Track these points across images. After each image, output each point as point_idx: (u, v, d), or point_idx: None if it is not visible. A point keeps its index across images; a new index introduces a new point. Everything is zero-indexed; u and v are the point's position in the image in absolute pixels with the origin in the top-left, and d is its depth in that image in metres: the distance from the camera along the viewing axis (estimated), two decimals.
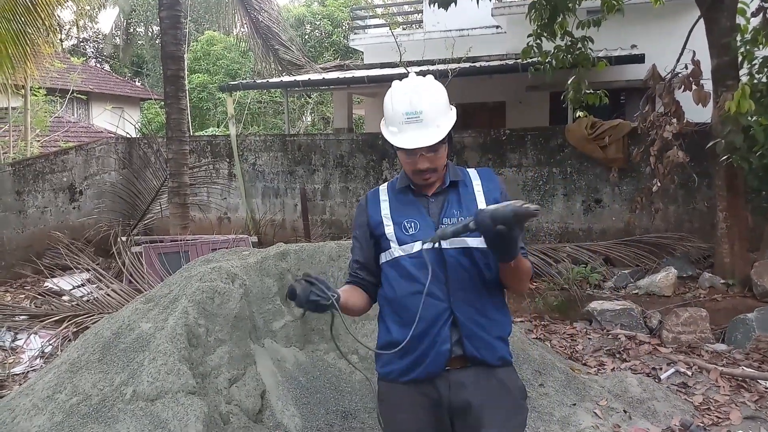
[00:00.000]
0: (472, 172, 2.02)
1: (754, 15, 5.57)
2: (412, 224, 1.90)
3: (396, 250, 1.91)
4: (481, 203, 1.92)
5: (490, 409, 1.84)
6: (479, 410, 1.84)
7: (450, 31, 11.94)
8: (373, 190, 2.06)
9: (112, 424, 2.68)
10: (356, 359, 3.81)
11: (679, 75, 6.15)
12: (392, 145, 1.90)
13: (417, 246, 1.87)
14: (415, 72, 2.16)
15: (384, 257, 1.96)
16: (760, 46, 5.43)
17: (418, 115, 1.82)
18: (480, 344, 1.85)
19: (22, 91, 10.54)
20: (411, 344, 1.82)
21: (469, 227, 1.72)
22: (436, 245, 1.83)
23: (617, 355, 5.04)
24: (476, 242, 1.86)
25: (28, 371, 4.83)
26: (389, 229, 1.93)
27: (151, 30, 24.15)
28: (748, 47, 5.47)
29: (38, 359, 5.05)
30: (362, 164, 9.17)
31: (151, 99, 19.76)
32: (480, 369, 1.87)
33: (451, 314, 1.84)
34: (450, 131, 1.88)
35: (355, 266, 2.03)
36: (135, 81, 24.35)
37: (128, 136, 10.44)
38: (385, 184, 2.06)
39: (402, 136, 1.85)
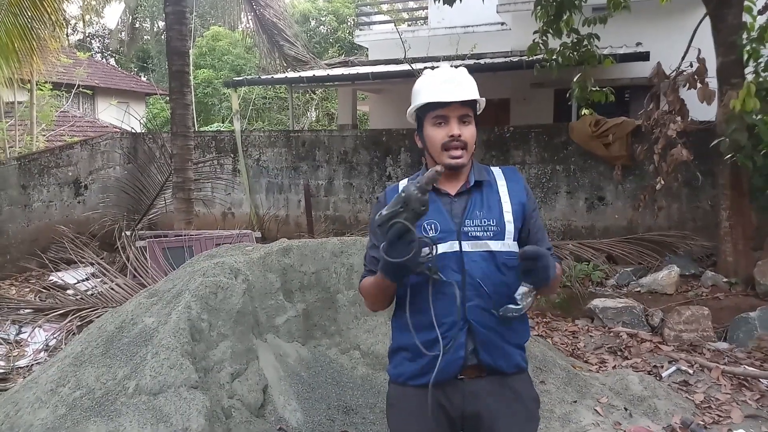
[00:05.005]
0: (497, 171, 1.95)
1: (760, 13, 5.54)
2: (433, 225, 1.81)
3: None
4: (506, 204, 1.86)
5: (503, 419, 1.82)
6: (491, 421, 1.81)
7: (455, 27, 11.95)
8: (392, 187, 1.97)
9: (115, 418, 2.70)
10: (358, 355, 3.83)
11: (684, 73, 6.11)
12: (422, 118, 1.87)
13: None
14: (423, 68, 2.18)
15: None
16: (766, 44, 5.40)
17: (455, 79, 1.85)
18: (496, 353, 1.80)
19: (28, 85, 10.56)
20: (424, 348, 1.79)
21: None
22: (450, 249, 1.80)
23: (619, 353, 5.04)
24: (499, 246, 1.82)
25: (32, 364, 4.86)
26: None
27: (156, 25, 24.16)
28: (754, 45, 5.43)
29: (42, 353, 5.08)
30: (366, 161, 9.18)
31: (156, 94, 19.78)
32: (494, 378, 1.82)
33: (466, 321, 1.78)
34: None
35: (376, 262, 1.87)
36: (140, 76, 24.40)
37: (133, 131, 10.48)
38: (405, 180, 1.95)
39: (438, 93, 1.83)
